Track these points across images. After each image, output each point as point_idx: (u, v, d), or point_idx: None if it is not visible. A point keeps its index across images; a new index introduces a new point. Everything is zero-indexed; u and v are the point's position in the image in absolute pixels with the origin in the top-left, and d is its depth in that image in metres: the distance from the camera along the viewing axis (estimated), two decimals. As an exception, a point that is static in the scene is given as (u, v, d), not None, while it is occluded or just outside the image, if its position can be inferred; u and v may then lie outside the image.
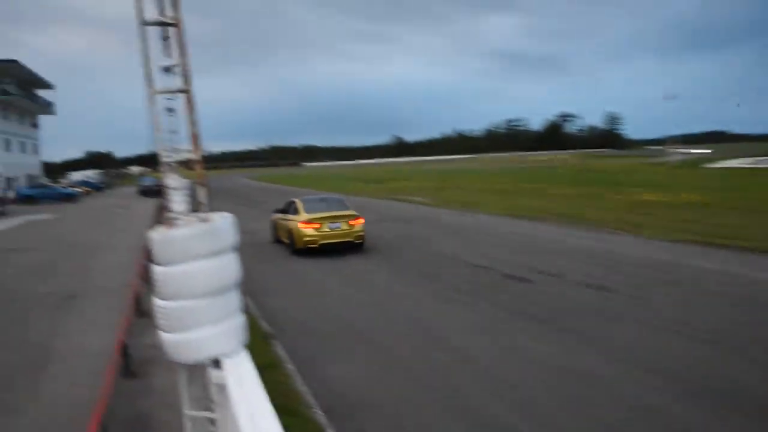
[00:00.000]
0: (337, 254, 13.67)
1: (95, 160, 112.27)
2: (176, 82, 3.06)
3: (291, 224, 14.15)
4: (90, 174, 64.27)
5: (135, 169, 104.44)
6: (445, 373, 6.20)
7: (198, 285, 3.27)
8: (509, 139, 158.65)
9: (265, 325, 8.10)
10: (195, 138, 2.97)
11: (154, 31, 2.94)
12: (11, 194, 40.21)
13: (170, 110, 3.38)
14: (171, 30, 2.95)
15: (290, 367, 6.51)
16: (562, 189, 31.43)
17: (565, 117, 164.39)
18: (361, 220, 14.05)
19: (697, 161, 62.56)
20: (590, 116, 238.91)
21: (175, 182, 3.51)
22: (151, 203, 32.81)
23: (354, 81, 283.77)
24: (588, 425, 4.97)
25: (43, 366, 6.93)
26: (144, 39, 2.82)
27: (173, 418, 4.61)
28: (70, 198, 40.90)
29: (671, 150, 68.53)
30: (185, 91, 2.93)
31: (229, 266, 3.50)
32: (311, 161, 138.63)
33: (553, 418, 5.12)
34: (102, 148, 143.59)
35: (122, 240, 18.08)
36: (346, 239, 13.72)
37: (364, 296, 9.77)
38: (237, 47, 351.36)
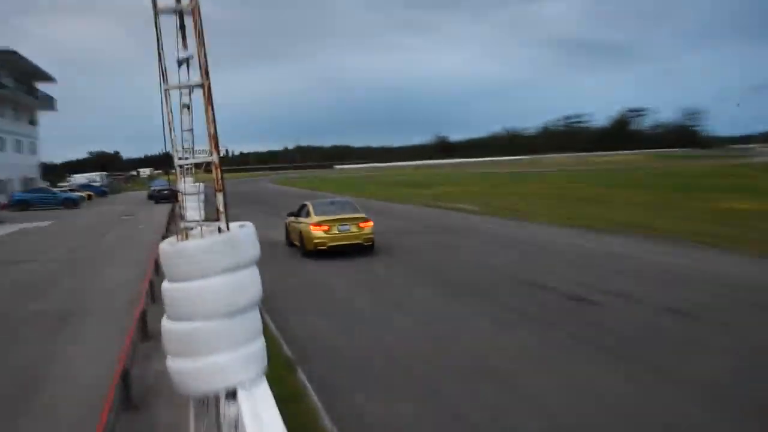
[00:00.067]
0: (371, 266, 13.94)
1: (100, 161, 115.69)
2: (193, 76, 3.13)
3: (302, 226, 16.17)
4: (94, 177, 66.16)
5: (144, 172, 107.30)
6: (501, 415, 6.09)
7: (213, 304, 3.30)
8: (568, 137, 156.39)
9: (287, 350, 8.15)
10: (213, 138, 3.02)
11: (169, 20, 3.01)
12: (4, 199, 41.61)
13: (186, 107, 3.44)
14: (188, 18, 3.02)
15: (316, 400, 6.52)
16: (632, 195, 30.85)
17: (634, 112, 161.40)
18: (371, 223, 15.91)
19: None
20: (664, 111, 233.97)
21: (189, 187, 3.58)
22: (162, 210, 33.61)
23: (392, 75, 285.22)
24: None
25: (26, 399, 6.85)
26: (158, 28, 2.89)
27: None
28: (70, 203, 42.00)
29: (761, 149, 66.41)
30: (203, 86, 2.98)
31: (249, 283, 3.52)
32: (344, 163, 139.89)
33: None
34: (108, 148, 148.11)
35: (128, 251, 18.55)
36: (356, 241, 15.63)
37: (404, 317, 9.76)
38: (261, 38, 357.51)
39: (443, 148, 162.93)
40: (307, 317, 10.08)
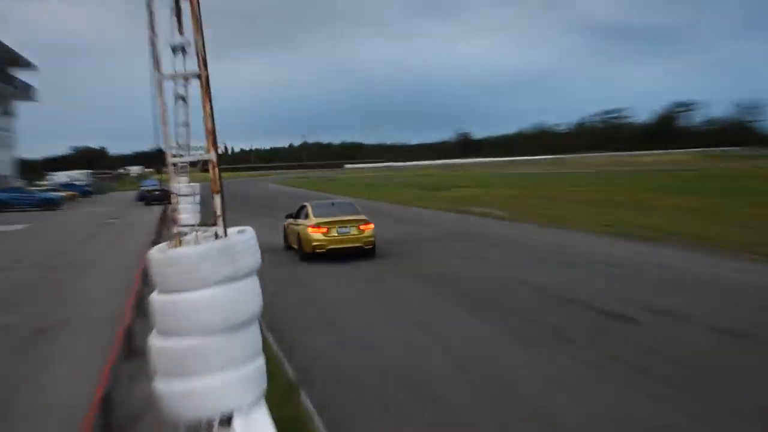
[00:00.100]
0: (383, 278, 14.06)
1: (85, 158, 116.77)
2: (190, 64, 3.15)
3: (300, 228, 17.06)
4: (77, 175, 66.73)
5: (134, 170, 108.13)
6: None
7: (208, 318, 3.31)
8: (607, 135, 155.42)
9: (289, 370, 8.16)
10: (211, 133, 3.05)
11: (163, 2, 3.05)
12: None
13: (181, 99, 3.48)
14: (184, 1, 3.05)
15: (321, 427, 6.52)
16: (679, 199, 30.62)
17: (682, 106, 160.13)
18: (371, 225, 16.80)
19: None
20: (716, 105, 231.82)
21: (183, 187, 3.61)
22: (152, 213, 33.82)
23: (409, 64, 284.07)
24: None
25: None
26: (151, 10, 2.92)
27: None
28: (50, 204, 42.39)
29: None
30: (200, 77, 3.01)
31: (249, 294, 3.52)
32: (355, 162, 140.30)
33: None
34: (94, 143, 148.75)
35: (113, 259, 18.69)
36: (356, 244, 16.50)
37: (422, 336, 9.74)
38: (264, 22, 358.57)
39: (466, 146, 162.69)
40: (313, 334, 10.10)
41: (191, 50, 3.08)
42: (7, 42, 48.77)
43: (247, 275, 3.45)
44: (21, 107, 60.43)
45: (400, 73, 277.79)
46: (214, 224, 3.28)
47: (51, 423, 6.88)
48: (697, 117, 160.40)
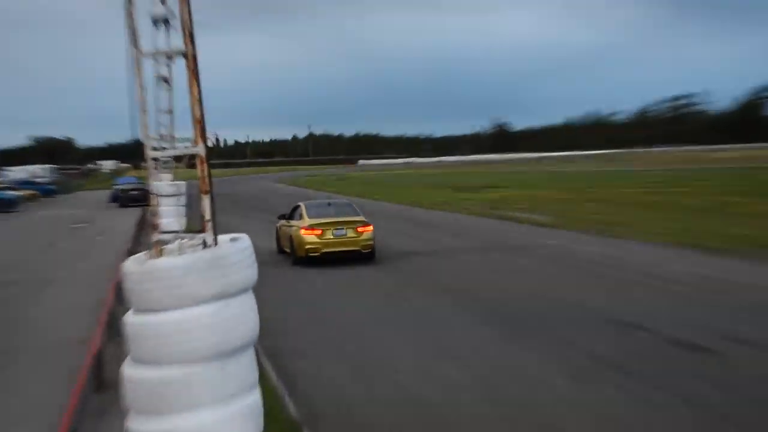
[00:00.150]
0: (406, 294, 14.21)
1: (47, 150, 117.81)
2: (174, 40, 3.16)
3: (293, 230, 18.42)
4: (38, 170, 67.23)
5: (107, 165, 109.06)
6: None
7: (194, 343, 3.31)
8: (675, 125, 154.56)
9: (291, 407, 8.18)
10: (199, 122, 3.04)
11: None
12: None
13: (164, 80, 3.50)
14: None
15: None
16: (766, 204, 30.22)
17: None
18: (370, 228, 18.02)
19: None
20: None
21: (166, 186, 3.64)
22: (129, 216, 33.99)
23: (436, 42, 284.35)
24: None
25: None
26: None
27: None
28: (4, 206, 42.63)
29: None
30: (186, 55, 3.00)
31: (243, 315, 3.51)
32: (371, 157, 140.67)
33: None
34: (58, 133, 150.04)
35: (81, 271, 18.83)
36: (353, 248, 17.73)
37: (451, 367, 9.72)
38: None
39: (503, 139, 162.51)
40: (320, 362, 10.11)
41: (175, 23, 3.09)
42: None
43: (241, 292, 3.45)
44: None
45: (424, 51, 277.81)
46: (203, 230, 3.28)
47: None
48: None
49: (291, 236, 18.49)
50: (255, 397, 3.65)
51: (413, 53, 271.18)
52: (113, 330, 10.48)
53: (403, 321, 12.45)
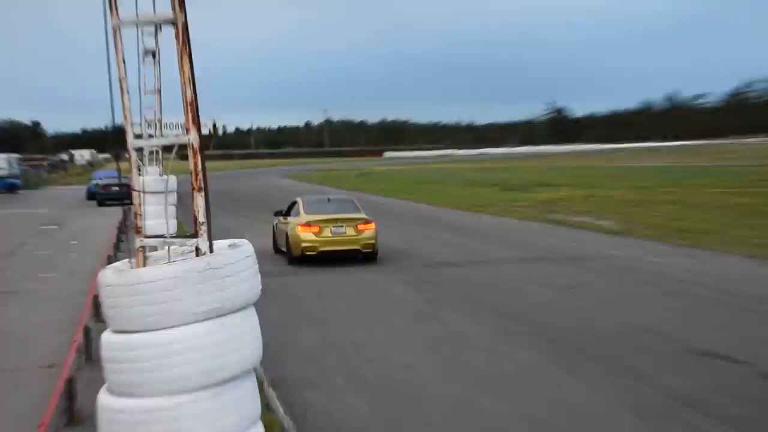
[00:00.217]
0: (440, 313, 14.29)
1: (10, 136, 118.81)
2: (161, 5, 3.19)
3: (289, 227, 20.00)
4: (-1, 161, 67.89)
5: (82, 155, 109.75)
6: None
7: (184, 369, 3.32)
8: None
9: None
10: (191, 105, 3.04)
11: None
12: None
13: (150, 55, 3.54)
14: None
15: None
16: None
17: None
18: (372, 226, 19.63)
19: None
20: None
21: (152, 182, 3.68)
22: (108, 217, 34.24)
23: (476, 15, 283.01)
24: None
25: None
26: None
27: None
28: (-41, 204, 43.21)
29: None
30: (175, 23, 2.98)
31: (242, 337, 3.51)
32: (399, 148, 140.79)
33: None
34: (23, 116, 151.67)
35: (50, 282, 18.96)
36: (352, 247, 19.40)
37: (493, 401, 9.73)
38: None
39: (560, 127, 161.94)
40: (336, 393, 10.15)
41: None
42: None
43: (240, 308, 3.45)
44: None
45: (463, 24, 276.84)
46: (195, 235, 3.30)
47: None
48: None
49: (287, 233, 20.05)
50: (256, 435, 3.66)
51: (448, 26, 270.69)
52: (88, 353, 10.56)
53: (436, 346, 12.44)
